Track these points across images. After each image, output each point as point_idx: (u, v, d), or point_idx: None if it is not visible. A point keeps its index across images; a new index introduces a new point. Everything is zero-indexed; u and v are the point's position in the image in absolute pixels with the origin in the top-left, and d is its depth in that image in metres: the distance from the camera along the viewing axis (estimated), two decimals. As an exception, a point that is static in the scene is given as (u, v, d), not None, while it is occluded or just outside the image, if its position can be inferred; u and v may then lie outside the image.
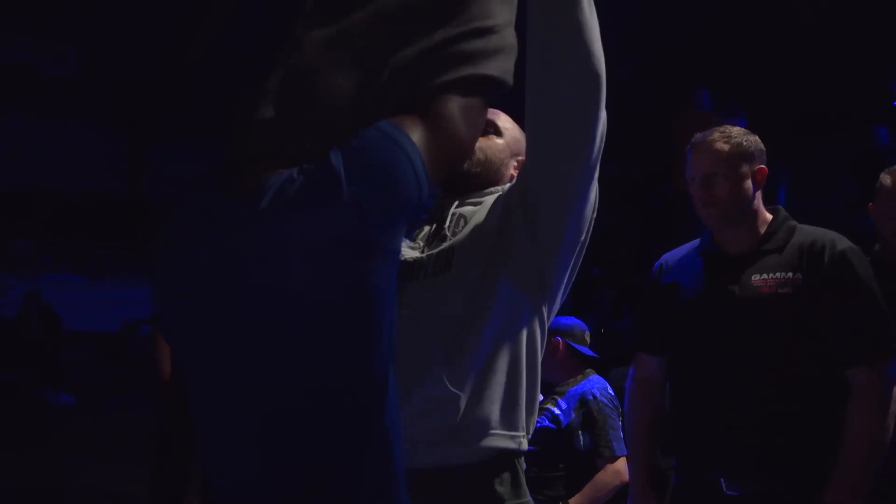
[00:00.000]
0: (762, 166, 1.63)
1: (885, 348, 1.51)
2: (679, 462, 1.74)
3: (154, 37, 6.67)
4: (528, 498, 1.20)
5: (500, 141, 1.44)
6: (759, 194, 1.65)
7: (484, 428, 1.15)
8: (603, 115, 1.16)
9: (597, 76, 1.13)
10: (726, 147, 1.61)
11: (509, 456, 1.17)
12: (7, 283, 8.33)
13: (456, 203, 1.40)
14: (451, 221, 1.36)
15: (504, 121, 1.49)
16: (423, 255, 1.31)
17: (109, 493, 4.42)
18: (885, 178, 2.06)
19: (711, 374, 1.61)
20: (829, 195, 5.31)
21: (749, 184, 1.61)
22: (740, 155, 1.60)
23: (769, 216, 1.66)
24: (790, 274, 1.55)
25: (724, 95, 4.67)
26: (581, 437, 2.39)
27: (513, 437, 1.18)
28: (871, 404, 1.49)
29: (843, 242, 1.57)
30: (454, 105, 0.87)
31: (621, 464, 2.30)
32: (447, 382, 1.14)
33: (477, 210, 1.36)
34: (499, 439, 1.16)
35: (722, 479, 1.57)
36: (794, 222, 1.65)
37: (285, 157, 0.86)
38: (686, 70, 5.30)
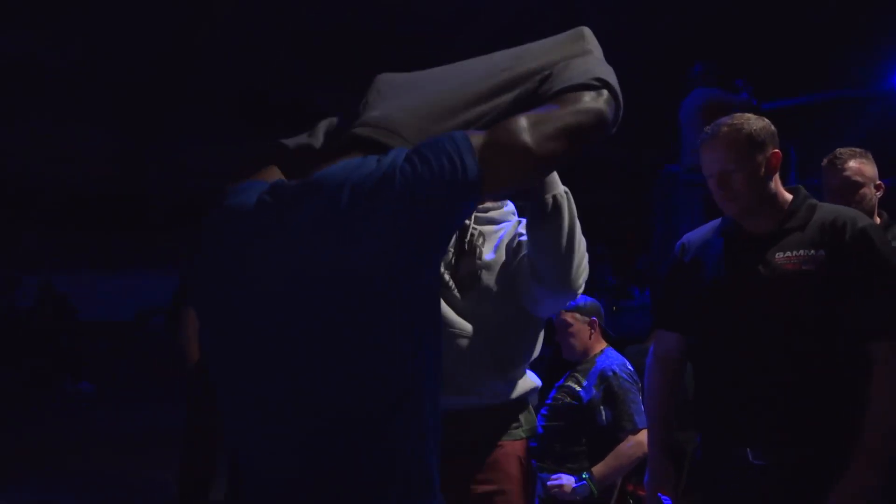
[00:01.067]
0: (775, 150, 1.66)
1: None
2: (704, 436, 1.78)
3: (156, 31, 6.69)
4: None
5: None
6: (776, 177, 1.67)
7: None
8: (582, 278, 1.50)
9: (574, 294, 1.51)
10: (737, 141, 1.63)
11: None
12: (20, 277, 8.42)
13: (474, 216, 1.63)
14: (471, 237, 1.62)
15: None
16: (450, 276, 1.60)
17: (137, 479, 4.51)
18: (823, 162, 2.25)
19: (738, 351, 1.65)
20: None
21: (763, 171, 1.63)
22: (752, 146, 1.63)
23: (789, 196, 1.69)
24: (813, 251, 1.59)
25: (728, 72, 4.66)
26: (603, 413, 2.45)
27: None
28: (891, 378, 1.52)
29: (863, 219, 1.61)
30: (522, 118, 0.93)
31: (643, 435, 2.34)
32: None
33: (494, 232, 1.63)
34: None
35: (749, 450, 1.61)
36: (814, 201, 1.69)
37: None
38: (688, 50, 5.29)
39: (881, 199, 2.30)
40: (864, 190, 2.22)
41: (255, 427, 0.94)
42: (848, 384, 1.56)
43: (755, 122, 1.66)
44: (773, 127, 1.68)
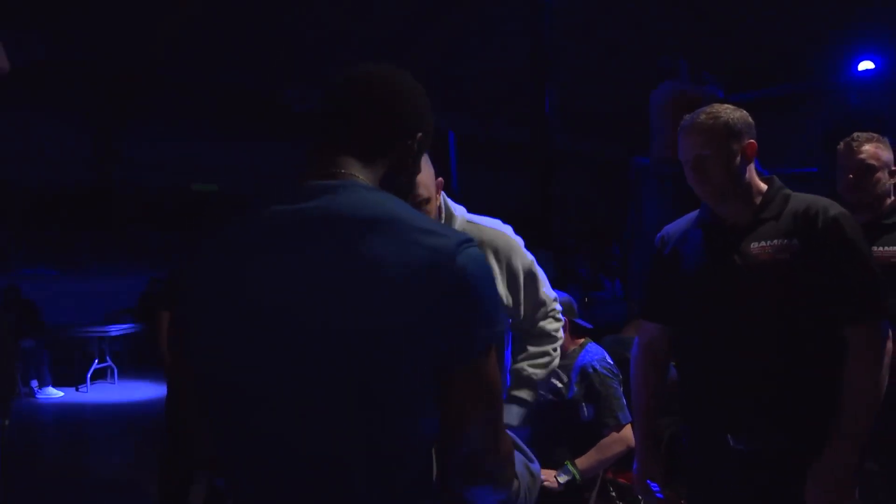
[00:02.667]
0: (751, 140, 1.68)
1: (876, 307, 1.59)
2: (688, 424, 1.81)
3: (122, 27, 6.54)
4: None
5: (429, 207, 1.64)
6: (751, 167, 1.70)
7: None
8: None
9: None
10: (714, 128, 1.66)
11: None
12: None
13: None
14: None
15: (421, 174, 1.59)
16: None
17: (116, 482, 4.44)
18: (839, 145, 2.24)
19: (717, 339, 1.68)
20: (802, 164, 5.45)
21: (739, 160, 1.66)
22: (728, 134, 1.66)
23: (764, 186, 1.72)
24: (787, 240, 1.61)
25: (695, 65, 4.74)
26: (585, 409, 2.46)
27: None
28: (866, 361, 1.56)
29: (834, 208, 1.63)
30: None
31: (627, 430, 2.38)
32: None
33: None
34: None
35: (729, 436, 1.65)
36: (788, 191, 1.72)
37: None
38: (659, 45, 5.36)
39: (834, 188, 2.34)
40: (879, 174, 2.24)
41: (242, 441, 0.93)
42: (825, 370, 1.59)
43: (733, 112, 1.69)
44: (750, 119, 1.70)
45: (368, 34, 7.50)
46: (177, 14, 6.35)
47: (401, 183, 1.07)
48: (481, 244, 1.69)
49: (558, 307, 1.91)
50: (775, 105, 5.53)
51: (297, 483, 0.91)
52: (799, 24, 7.36)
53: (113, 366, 7.61)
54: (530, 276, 1.79)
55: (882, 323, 1.60)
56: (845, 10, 7.37)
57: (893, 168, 2.29)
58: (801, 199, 1.68)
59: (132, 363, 8.02)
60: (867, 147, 2.24)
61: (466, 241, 0.92)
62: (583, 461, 2.39)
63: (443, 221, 1.70)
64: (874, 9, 7.30)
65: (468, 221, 1.77)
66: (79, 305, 8.26)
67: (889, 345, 1.60)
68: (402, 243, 0.89)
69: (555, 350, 1.89)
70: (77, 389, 7.28)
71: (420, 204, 1.59)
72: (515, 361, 1.86)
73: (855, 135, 2.28)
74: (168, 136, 8.77)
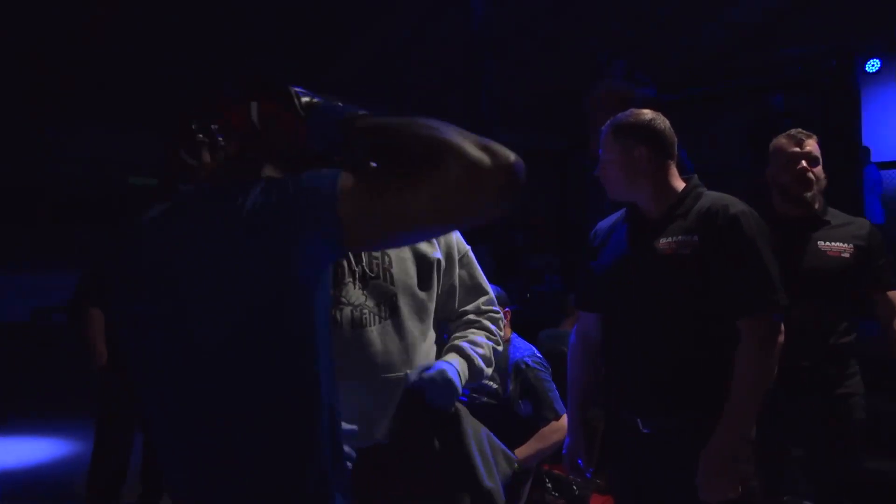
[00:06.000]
0: (647, 147, 1.76)
1: (766, 301, 1.69)
2: (608, 408, 1.92)
3: (52, 13, 6.27)
4: None
5: None
6: (668, 167, 1.79)
7: None
8: None
9: None
10: (613, 134, 1.79)
11: None
12: None
13: None
14: (366, 258, 1.59)
15: None
16: (365, 298, 1.56)
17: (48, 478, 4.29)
18: (779, 140, 2.34)
19: (628, 327, 1.79)
20: (729, 160, 5.65)
21: (636, 164, 1.76)
22: (626, 139, 1.77)
23: (682, 185, 1.81)
24: (689, 237, 1.71)
25: (631, 64, 4.85)
26: (522, 405, 2.52)
27: None
28: (754, 351, 1.67)
29: (736, 206, 1.72)
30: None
31: (564, 420, 2.43)
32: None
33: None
34: None
35: (638, 420, 1.75)
36: (702, 189, 1.81)
37: None
38: (598, 40, 5.47)
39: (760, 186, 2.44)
40: (820, 168, 2.30)
41: (173, 425, 0.96)
42: (721, 358, 1.69)
43: (634, 118, 1.79)
44: (656, 124, 1.78)
45: (302, 35, 7.38)
46: (108, 5, 6.12)
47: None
48: None
49: (495, 307, 1.84)
50: (706, 103, 5.72)
51: (218, 469, 0.93)
52: (731, 24, 7.61)
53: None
54: (465, 260, 1.76)
55: (773, 316, 1.69)
56: (779, 11, 7.68)
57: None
58: (708, 198, 1.77)
59: (59, 360, 7.72)
60: (811, 141, 2.32)
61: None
62: (523, 450, 2.45)
63: None
64: (804, 11, 7.63)
65: None
66: (6, 302, 7.90)
67: (780, 337, 1.69)
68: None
69: (495, 341, 1.81)
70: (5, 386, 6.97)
71: None
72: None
73: (796, 129, 2.34)
74: (103, 129, 8.46)
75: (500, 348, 1.77)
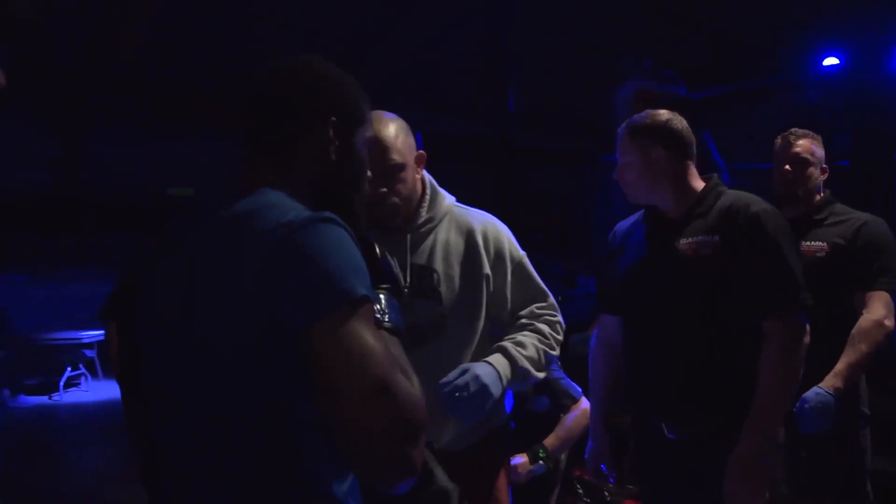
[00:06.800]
0: (667, 149, 1.74)
1: (790, 301, 1.64)
2: (633, 412, 1.88)
3: (90, 27, 6.46)
4: None
5: (403, 174, 1.57)
6: (687, 167, 1.77)
7: None
8: None
9: None
10: (630, 135, 1.77)
11: None
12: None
13: (408, 247, 1.58)
14: (413, 273, 1.57)
15: (395, 139, 1.56)
16: (414, 318, 1.50)
17: (90, 489, 4.40)
18: (776, 140, 2.36)
19: (650, 331, 1.76)
20: (763, 157, 5.55)
21: (656, 165, 1.74)
22: (644, 140, 1.75)
23: (702, 185, 1.78)
24: (710, 236, 1.68)
25: (659, 63, 4.81)
26: (537, 402, 2.48)
27: None
28: (780, 352, 1.63)
29: (757, 205, 1.69)
30: None
31: (584, 402, 2.41)
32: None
33: (437, 258, 1.58)
34: None
35: (663, 425, 1.72)
36: (723, 188, 1.78)
37: None
38: (624, 42, 5.43)
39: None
40: (812, 169, 2.32)
41: (168, 435, 0.97)
42: (746, 361, 1.65)
43: (651, 119, 1.77)
44: (673, 124, 1.76)
45: (340, 34, 7.48)
46: (146, 13, 6.27)
47: (330, 175, 1.02)
48: (471, 227, 1.65)
49: (552, 311, 1.73)
50: (738, 101, 5.64)
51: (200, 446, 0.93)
52: (764, 19, 7.49)
53: (86, 373, 7.51)
54: (518, 267, 1.71)
55: (798, 316, 1.65)
56: (810, 6, 7.53)
57: (824, 165, 2.37)
58: (729, 196, 1.75)
59: (105, 370, 7.93)
60: (802, 142, 2.33)
61: (315, 218, 0.89)
62: (551, 440, 2.42)
63: (427, 198, 1.65)
64: (840, 5, 7.47)
65: (456, 205, 1.73)
66: (50, 312, 8.13)
67: (806, 338, 1.65)
68: (251, 234, 0.88)
69: (552, 340, 1.70)
70: (50, 398, 7.18)
71: (389, 179, 1.53)
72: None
73: (792, 129, 2.37)
74: (142, 139, 8.66)
75: (554, 352, 1.68)
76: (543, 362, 1.64)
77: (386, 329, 0.95)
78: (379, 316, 0.96)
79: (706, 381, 1.67)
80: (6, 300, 7.73)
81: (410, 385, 0.86)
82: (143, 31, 6.37)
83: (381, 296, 1.00)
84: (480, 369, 1.51)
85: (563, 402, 2.48)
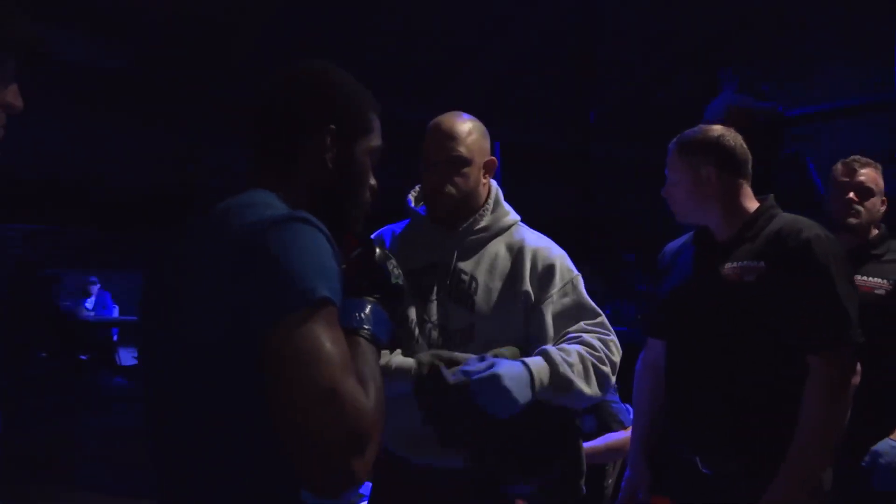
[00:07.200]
0: (715, 167, 1.63)
1: (838, 337, 1.50)
2: (669, 442, 1.78)
3: (202, 31, 6.83)
4: None
5: (467, 169, 1.55)
6: (739, 186, 1.66)
7: None
8: None
9: None
10: (677, 153, 1.68)
11: None
12: (65, 274, 8.62)
13: (456, 251, 1.56)
14: (454, 277, 1.54)
15: (467, 136, 1.55)
16: (446, 321, 1.51)
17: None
18: (835, 166, 2.17)
19: (689, 357, 1.66)
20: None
21: (701, 183, 1.64)
22: (691, 157, 1.65)
23: (755, 205, 1.67)
24: (755, 262, 1.56)
25: (755, 78, 4.66)
26: (586, 420, 2.37)
27: None
28: (824, 392, 1.49)
29: (810, 230, 1.55)
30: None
31: (629, 432, 2.26)
32: None
33: (482, 268, 1.55)
34: None
35: (697, 459, 1.62)
36: (777, 211, 1.66)
37: None
38: (714, 57, 5.28)
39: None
40: (874, 200, 2.18)
41: (153, 434, 0.98)
42: (788, 396, 1.53)
43: (702, 134, 1.67)
44: (725, 141, 1.65)
45: (442, 40, 7.56)
46: (258, 16, 6.53)
47: (326, 182, 1.02)
48: (523, 245, 1.59)
49: (604, 329, 1.56)
50: (840, 118, 5.36)
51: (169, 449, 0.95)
52: (868, 36, 7.11)
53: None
54: (568, 287, 1.57)
55: (847, 353, 1.52)
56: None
57: (884, 198, 2.22)
58: (781, 220, 1.62)
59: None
60: (867, 170, 2.17)
61: (285, 217, 0.87)
62: (589, 447, 2.36)
63: (489, 207, 1.61)
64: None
65: (521, 225, 1.66)
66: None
67: (854, 378, 1.53)
68: (225, 233, 0.88)
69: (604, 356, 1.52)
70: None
71: (450, 170, 1.53)
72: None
73: (854, 157, 2.21)
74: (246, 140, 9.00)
75: (604, 368, 1.47)
76: (594, 375, 1.45)
77: (363, 337, 0.94)
78: (357, 324, 0.95)
79: (743, 417, 1.55)
80: (120, 290, 8.20)
81: (364, 395, 0.83)
82: (257, 36, 6.66)
83: (368, 304, 0.99)
84: (505, 368, 1.34)
85: (612, 426, 2.35)
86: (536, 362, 1.40)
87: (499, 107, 7.64)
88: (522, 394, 1.34)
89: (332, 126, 1.01)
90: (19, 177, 7.09)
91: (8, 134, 0.91)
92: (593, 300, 1.61)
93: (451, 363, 1.39)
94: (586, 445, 2.30)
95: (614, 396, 2.42)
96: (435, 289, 1.55)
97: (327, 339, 0.81)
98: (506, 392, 1.32)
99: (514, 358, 1.41)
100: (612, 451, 2.36)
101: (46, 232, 8.67)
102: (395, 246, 1.64)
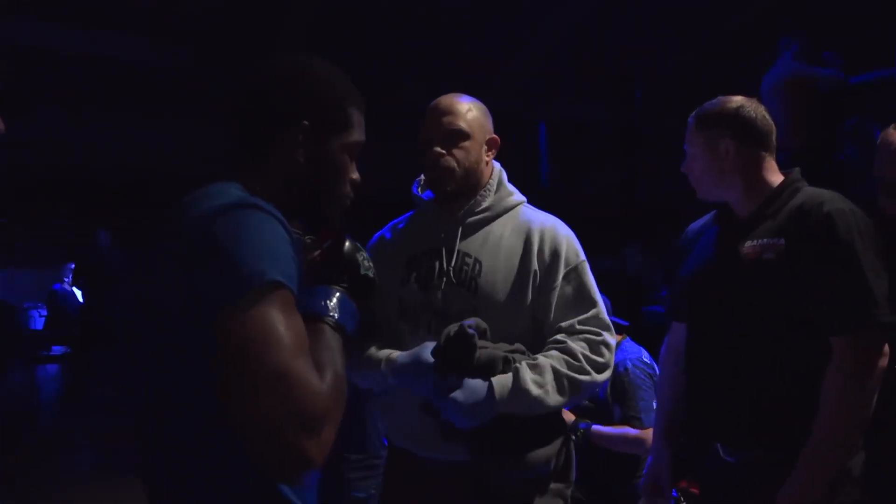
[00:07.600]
0: (733, 140, 1.57)
1: (863, 317, 1.41)
2: (688, 429, 1.75)
3: (259, 34, 6.94)
4: None
5: (466, 143, 1.54)
6: (755, 160, 1.58)
7: None
8: None
9: None
10: (694, 124, 1.62)
11: None
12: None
13: (459, 233, 1.55)
14: (458, 260, 1.53)
15: (466, 112, 1.56)
16: (448, 307, 1.50)
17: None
18: (888, 131, 2.05)
19: (708, 341, 1.60)
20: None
21: (718, 156, 1.57)
22: (708, 129, 1.59)
23: (779, 179, 1.59)
24: (774, 239, 1.49)
25: (817, 45, 4.46)
26: (616, 409, 2.37)
27: None
28: (845, 376, 1.41)
29: (832, 204, 1.46)
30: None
31: (647, 434, 2.25)
32: None
33: (486, 250, 1.53)
34: None
35: (719, 445, 1.57)
36: (801, 184, 1.57)
37: None
38: (777, 23, 5.09)
39: None
40: None
41: (138, 421, 1.00)
42: (810, 379, 1.46)
43: (720, 106, 1.60)
44: (745, 112, 1.58)
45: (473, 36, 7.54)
46: (308, 17, 6.61)
47: (298, 177, 1.02)
48: (530, 226, 1.58)
49: (596, 327, 1.52)
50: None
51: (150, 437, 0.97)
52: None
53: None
54: (572, 273, 1.55)
55: (873, 334, 1.43)
56: None
57: None
58: (804, 194, 1.53)
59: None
60: None
61: (234, 204, 0.88)
62: (598, 430, 2.34)
63: (490, 188, 1.61)
64: None
65: (526, 206, 1.65)
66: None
67: (881, 361, 1.43)
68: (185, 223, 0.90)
69: (593, 372, 1.49)
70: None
71: (449, 143, 1.53)
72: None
73: None
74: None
75: (582, 377, 1.45)
76: (567, 387, 1.45)
77: (328, 324, 0.94)
78: (322, 310, 0.96)
79: (763, 403, 1.48)
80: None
81: (317, 377, 0.83)
82: (304, 37, 6.75)
83: (336, 292, 0.99)
84: (464, 389, 1.40)
85: (632, 422, 2.33)
86: (501, 380, 1.42)
87: (548, 87, 7.58)
88: (483, 412, 1.40)
89: (306, 122, 1.01)
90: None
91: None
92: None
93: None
94: (602, 430, 2.34)
95: (647, 393, 2.35)
96: (436, 273, 1.55)
97: (278, 322, 0.81)
98: (467, 410, 1.39)
99: (511, 354, 1.45)
100: (626, 443, 2.32)
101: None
102: (398, 234, 1.65)
